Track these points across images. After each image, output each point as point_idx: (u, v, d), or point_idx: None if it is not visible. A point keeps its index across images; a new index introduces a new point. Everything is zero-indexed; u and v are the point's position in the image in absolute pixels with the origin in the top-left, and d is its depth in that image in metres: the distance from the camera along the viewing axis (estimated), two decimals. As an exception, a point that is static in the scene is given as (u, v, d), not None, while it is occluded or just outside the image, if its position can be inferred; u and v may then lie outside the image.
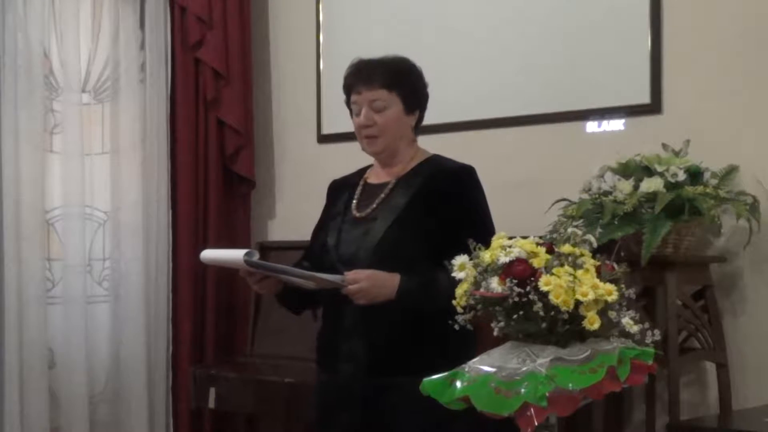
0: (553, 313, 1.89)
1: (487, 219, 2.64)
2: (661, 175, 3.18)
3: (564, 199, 3.40)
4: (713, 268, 3.37)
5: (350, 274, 2.50)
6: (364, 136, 2.67)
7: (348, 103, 2.73)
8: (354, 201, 2.71)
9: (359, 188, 2.75)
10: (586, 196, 3.32)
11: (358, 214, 2.67)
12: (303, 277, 2.55)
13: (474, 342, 2.41)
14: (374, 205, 2.66)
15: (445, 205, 2.58)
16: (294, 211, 4.59)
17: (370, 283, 2.49)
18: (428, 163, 2.70)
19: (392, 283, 2.51)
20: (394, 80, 2.64)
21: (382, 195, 2.67)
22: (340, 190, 2.80)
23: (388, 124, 2.64)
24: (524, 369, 1.88)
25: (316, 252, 2.74)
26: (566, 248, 1.96)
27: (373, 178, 2.75)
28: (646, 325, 1.96)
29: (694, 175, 3.22)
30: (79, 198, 4.30)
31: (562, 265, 1.92)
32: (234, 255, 2.53)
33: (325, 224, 2.76)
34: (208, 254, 2.69)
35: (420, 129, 2.76)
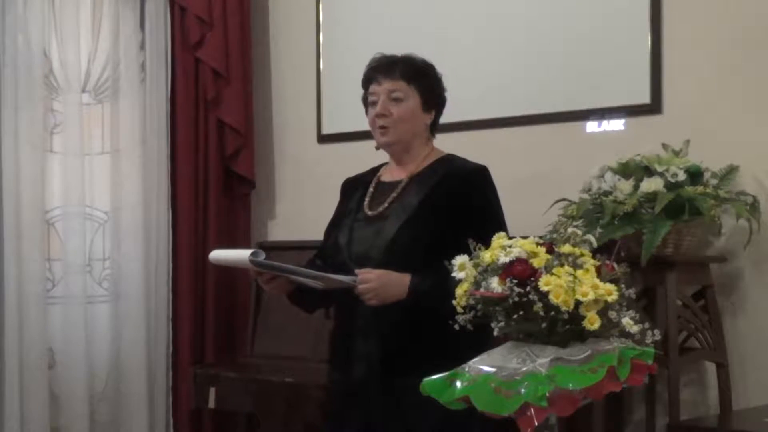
0: (553, 313, 1.89)
1: (500, 219, 2.62)
2: (661, 175, 3.18)
3: (564, 199, 3.40)
4: (713, 268, 3.37)
5: (361, 274, 2.49)
6: (378, 126, 2.66)
7: (365, 98, 2.72)
8: (367, 199, 2.70)
9: (372, 186, 2.73)
10: (586, 196, 3.32)
11: (370, 213, 2.66)
12: (311, 277, 2.54)
13: (487, 342, 2.40)
14: (386, 204, 2.65)
15: (458, 205, 2.57)
16: (294, 211, 4.59)
17: (381, 282, 2.49)
18: (442, 162, 2.70)
19: (403, 282, 2.51)
20: (415, 74, 2.65)
21: (395, 193, 2.66)
22: (354, 187, 2.79)
23: (404, 116, 2.63)
24: (524, 369, 1.89)
25: (328, 250, 2.73)
26: (566, 248, 1.96)
27: (387, 176, 2.74)
28: (646, 325, 1.96)
29: (694, 175, 3.21)
30: (79, 198, 4.30)
31: (562, 265, 1.92)
32: (240, 255, 2.53)
33: (338, 222, 2.75)
34: (216, 255, 2.68)
35: (436, 131, 2.75)
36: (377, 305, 2.50)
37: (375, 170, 2.80)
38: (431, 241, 2.53)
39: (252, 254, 2.47)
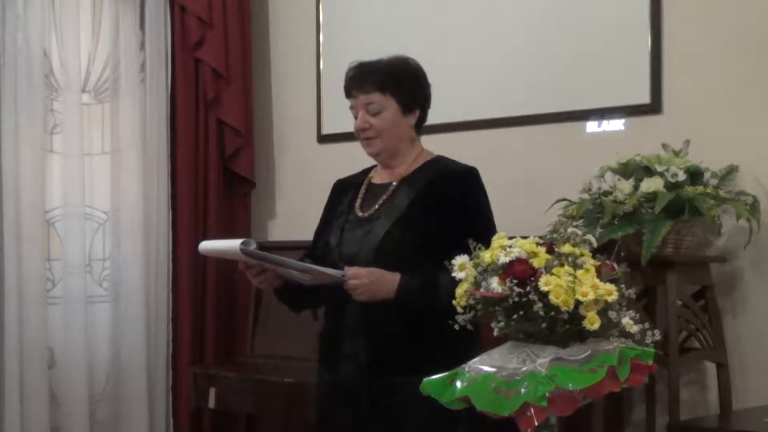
0: (553, 313, 1.89)
1: (490, 221, 2.64)
2: (661, 175, 3.18)
3: (564, 199, 3.40)
4: (713, 268, 3.37)
5: (351, 270, 2.50)
6: (362, 138, 2.68)
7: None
8: (358, 200, 2.72)
9: (363, 188, 2.75)
10: (586, 196, 3.32)
11: (361, 214, 2.68)
12: (301, 270, 2.53)
13: (476, 342, 2.41)
14: (377, 205, 2.66)
15: (448, 207, 2.59)
16: (294, 211, 4.59)
17: (371, 279, 2.50)
18: (432, 164, 2.71)
19: (392, 281, 2.51)
20: (388, 82, 2.64)
21: (385, 195, 2.67)
22: (345, 189, 2.80)
23: (384, 127, 2.64)
24: (524, 369, 1.89)
25: (318, 251, 2.74)
26: (566, 248, 1.96)
27: (377, 178, 2.76)
28: (646, 325, 1.96)
29: (694, 175, 3.22)
30: (79, 198, 4.30)
31: (562, 265, 1.92)
32: (231, 244, 2.51)
33: (329, 223, 2.76)
34: (206, 245, 2.69)
35: (423, 129, 2.76)
36: (366, 301, 2.51)
37: (366, 171, 2.81)
38: (421, 241, 2.55)
39: (243, 243, 2.46)
